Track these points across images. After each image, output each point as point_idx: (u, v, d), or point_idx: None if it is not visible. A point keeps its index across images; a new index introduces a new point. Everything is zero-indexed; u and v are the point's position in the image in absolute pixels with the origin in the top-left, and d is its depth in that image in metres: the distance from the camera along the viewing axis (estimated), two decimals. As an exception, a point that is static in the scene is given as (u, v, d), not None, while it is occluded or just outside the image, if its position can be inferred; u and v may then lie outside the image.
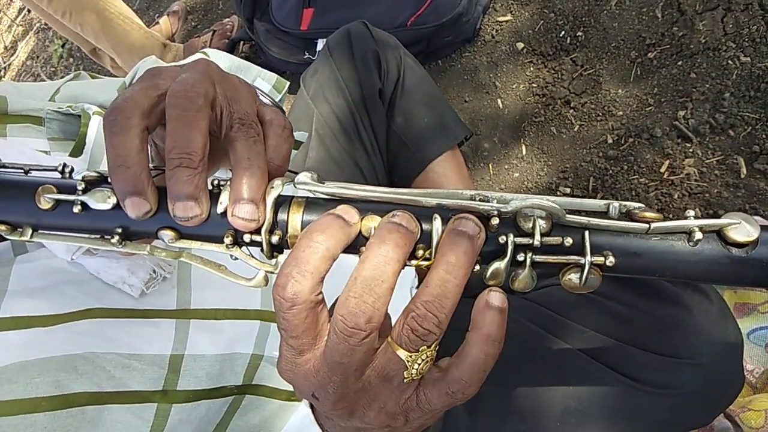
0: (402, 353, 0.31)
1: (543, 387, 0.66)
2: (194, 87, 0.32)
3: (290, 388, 0.47)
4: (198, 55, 0.61)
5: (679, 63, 1.20)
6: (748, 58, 1.14)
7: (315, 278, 0.30)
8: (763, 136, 1.08)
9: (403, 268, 0.31)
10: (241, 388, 0.55)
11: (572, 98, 1.29)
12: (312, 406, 0.41)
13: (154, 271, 0.51)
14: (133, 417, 0.47)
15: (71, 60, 2.38)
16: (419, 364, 0.31)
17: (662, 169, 1.14)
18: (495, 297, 0.31)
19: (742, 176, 1.07)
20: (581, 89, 1.29)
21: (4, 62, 2.74)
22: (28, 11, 2.76)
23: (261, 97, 0.38)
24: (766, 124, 1.08)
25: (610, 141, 1.22)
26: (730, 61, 1.15)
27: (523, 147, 1.31)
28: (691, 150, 1.13)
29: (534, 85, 1.35)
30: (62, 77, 2.44)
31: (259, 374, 0.56)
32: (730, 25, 1.17)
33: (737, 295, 0.93)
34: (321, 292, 0.31)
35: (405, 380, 0.32)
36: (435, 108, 1.01)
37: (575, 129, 1.27)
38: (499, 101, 1.38)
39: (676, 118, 1.16)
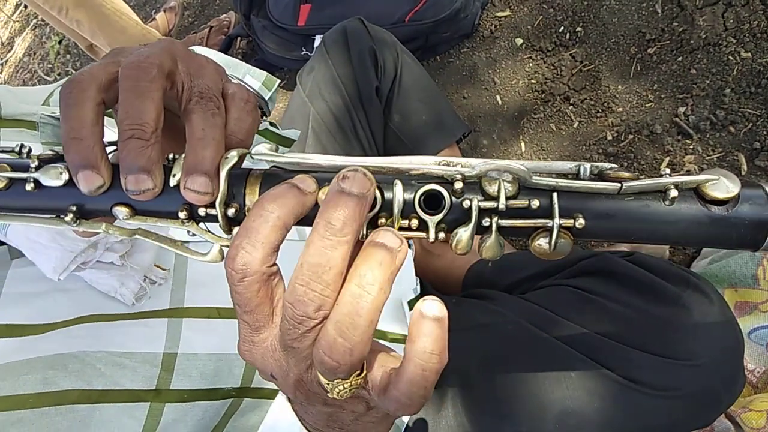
0: (321, 378, 0.29)
1: (542, 388, 0.65)
2: (148, 59, 0.31)
3: None
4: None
5: (680, 59, 1.19)
6: (749, 54, 1.13)
7: (266, 248, 0.28)
8: (764, 132, 1.07)
9: (357, 241, 0.28)
10: (240, 391, 0.55)
11: (571, 94, 1.28)
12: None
13: (145, 280, 0.50)
14: (125, 416, 0.47)
15: (68, 57, 2.37)
16: (340, 390, 0.29)
17: (662, 166, 1.13)
18: (430, 306, 0.27)
19: (743, 173, 1.06)
20: (581, 85, 1.28)
21: (1, 59, 2.73)
22: (25, 7, 2.75)
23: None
24: (766, 120, 1.07)
25: (609, 137, 1.21)
26: (730, 57, 1.14)
27: (522, 144, 1.30)
28: (691, 147, 1.12)
29: (533, 81, 1.34)
30: (59, 74, 2.40)
31: (258, 376, 0.56)
32: (731, 21, 1.16)
33: (738, 294, 0.92)
34: (275, 264, 0.29)
35: (332, 399, 0.30)
36: (433, 105, 1.00)
37: (574, 125, 1.26)
38: (497, 97, 1.37)
39: (677, 115, 1.15)
